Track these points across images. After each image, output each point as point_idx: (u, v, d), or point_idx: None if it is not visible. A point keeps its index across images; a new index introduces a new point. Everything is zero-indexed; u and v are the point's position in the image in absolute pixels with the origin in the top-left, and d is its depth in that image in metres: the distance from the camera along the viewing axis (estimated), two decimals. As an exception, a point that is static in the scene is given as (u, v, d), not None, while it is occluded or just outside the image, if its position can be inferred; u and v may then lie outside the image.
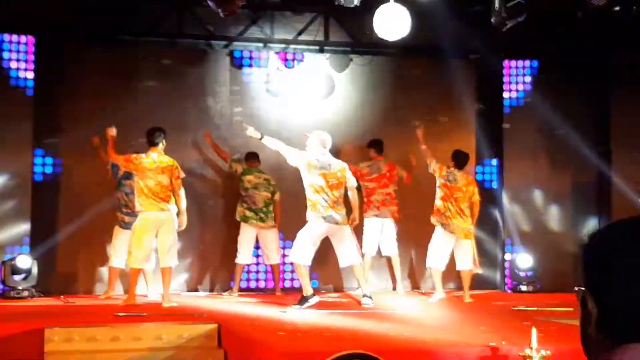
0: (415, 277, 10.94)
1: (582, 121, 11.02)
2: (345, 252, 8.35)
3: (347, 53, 10.97)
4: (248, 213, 9.70)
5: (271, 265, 9.91)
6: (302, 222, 8.31)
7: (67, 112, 10.08)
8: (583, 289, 1.55)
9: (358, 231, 9.76)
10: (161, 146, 8.49)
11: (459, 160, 9.37)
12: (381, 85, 11.08)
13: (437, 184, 9.27)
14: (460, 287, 9.57)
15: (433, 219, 9.25)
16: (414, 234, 10.62)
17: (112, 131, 8.69)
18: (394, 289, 10.24)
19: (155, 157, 8.38)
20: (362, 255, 8.98)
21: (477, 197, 9.28)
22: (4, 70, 9.63)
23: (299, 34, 10.76)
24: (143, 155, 8.44)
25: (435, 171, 9.26)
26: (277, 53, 10.70)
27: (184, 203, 8.52)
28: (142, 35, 10.39)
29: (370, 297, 8.34)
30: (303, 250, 8.17)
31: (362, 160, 10.15)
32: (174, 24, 10.41)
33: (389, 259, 10.29)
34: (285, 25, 10.74)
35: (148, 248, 8.42)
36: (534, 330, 4.82)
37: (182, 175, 8.58)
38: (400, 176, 10.06)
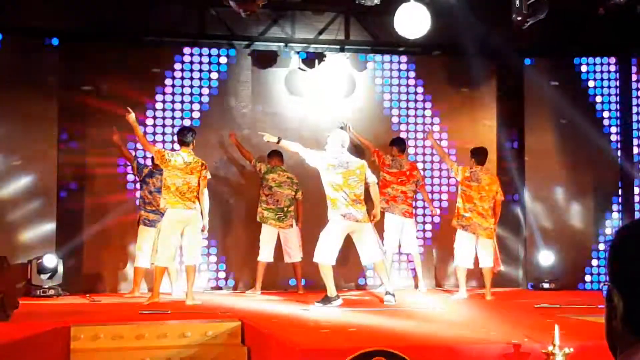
0: (438, 275, 10.96)
1: (603, 118, 10.99)
2: (367, 249, 8.37)
3: (368, 52, 11.00)
4: (267, 213, 9.76)
5: (293, 264, 9.96)
6: (324, 220, 8.34)
7: (91, 112, 10.19)
8: (609, 283, 1.58)
9: (378, 228, 9.82)
10: (191, 146, 8.54)
11: (479, 156, 9.37)
12: (401, 84, 11.10)
13: (459, 188, 9.26)
14: (482, 285, 9.58)
15: (454, 222, 9.26)
16: (435, 231, 10.65)
17: (131, 117, 8.48)
18: (416, 286, 10.26)
19: (186, 157, 8.44)
20: (384, 252, 9.00)
21: (500, 197, 9.27)
22: (31, 73, 9.74)
23: (320, 33, 10.80)
24: (174, 153, 8.48)
25: (457, 174, 9.25)
26: (298, 52, 10.75)
27: (207, 205, 8.54)
28: (164, 36, 10.48)
29: (393, 295, 8.36)
30: (326, 250, 8.20)
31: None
32: (195, 24, 10.49)
33: (410, 257, 10.31)
34: (306, 24, 10.79)
35: (174, 246, 8.46)
36: (556, 328, 4.83)
37: (209, 176, 8.62)
38: (417, 178, 10.06)
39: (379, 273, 8.58)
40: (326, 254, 8.19)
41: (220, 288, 10.41)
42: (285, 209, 9.80)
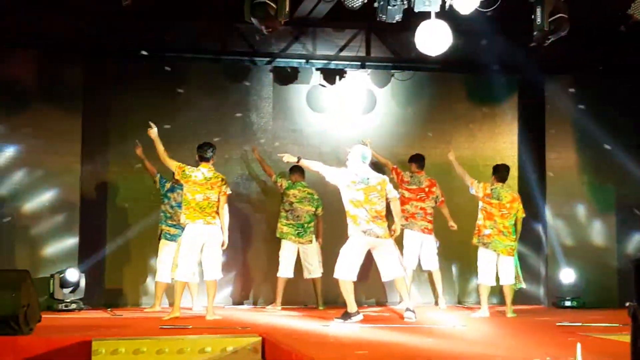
0: (458, 292, 10.92)
1: (626, 135, 10.94)
2: (388, 265, 8.36)
3: (389, 68, 11.03)
4: (287, 229, 9.80)
5: (312, 279, 9.96)
6: (344, 236, 8.34)
7: (114, 128, 10.29)
8: (634, 303, 1.59)
9: (397, 243, 9.82)
10: (211, 161, 8.59)
11: (501, 173, 9.34)
12: (422, 101, 11.12)
13: (480, 204, 9.23)
14: (503, 302, 9.53)
15: (475, 240, 9.23)
16: (456, 249, 10.62)
17: (153, 132, 8.55)
18: (436, 303, 10.23)
19: (206, 172, 8.48)
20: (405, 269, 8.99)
21: (521, 214, 9.24)
22: (54, 88, 9.85)
23: (341, 50, 10.85)
24: (194, 168, 8.53)
25: (478, 192, 9.21)
26: (318, 69, 10.79)
27: (226, 220, 8.57)
28: (186, 52, 10.56)
29: (413, 311, 8.34)
30: (347, 266, 8.20)
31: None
32: (217, 40, 10.58)
33: (430, 273, 10.29)
34: (327, 41, 10.85)
35: (194, 261, 8.48)
36: (578, 346, 4.80)
37: (229, 191, 8.64)
38: (437, 195, 10.04)
39: (399, 289, 8.55)
40: (347, 270, 8.20)
41: (240, 303, 10.43)
42: (306, 225, 9.83)
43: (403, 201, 9.81)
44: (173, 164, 8.54)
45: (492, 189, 9.18)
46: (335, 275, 8.27)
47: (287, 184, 9.89)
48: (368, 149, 8.68)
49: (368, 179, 8.31)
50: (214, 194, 8.43)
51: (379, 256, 8.40)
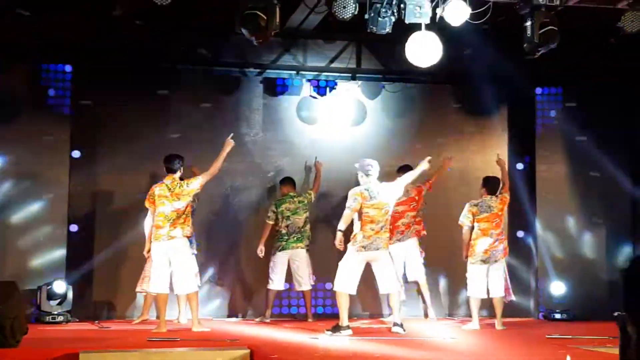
0: (448, 304, 10.88)
1: (615, 147, 10.95)
2: (386, 278, 8.42)
3: (379, 80, 11.03)
4: (285, 241, 9.77)
5: (302, 292, 9.92)
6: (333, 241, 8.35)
7: (104, 139, 10.23)
8: (623, 313, 1.56)
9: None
10: (178, 173, 8.60)
11: (492, 186, 9.35)
12: (413, 112, 11.12)
13: (476, 227, 9.22)
14: (493, 315, 9.51)
15: (471, 260, 9.20)
16: (445, 260, 10.59)
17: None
18: (426, 315, 10.19)
19: (169, 183, 8.49)
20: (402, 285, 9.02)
21: (507, 197, 9.39)
22: (43, 98, 9.80)
23: (331, 61, 10.86)
24: (157, 184, 8.53)
25: (469, 218, 9.22)
26: (309, 80, 10.79)
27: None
28: (177, 63, 10.54)
29: (401, 326, 8.34)
30: (347, 279, 8.24)
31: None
32: (208, 51, 10.57)
33: (417, 285, 10.22)
34: (317, 53, 10.85)
35: (165, 274, 8.48)
36: (568, 359, 4.78)
37: (196, 186, 8.58)
38: (424, 195, 10.06)
39: (393, 304, 8.56)
40: (346, 283, 8.24)
41: (229, 316, 10.36)
42: (302, 229, 9.84)
43: (398, 217, 9.83)
44: (148, 204, 8.65)
45: (479, 207, 9.18)
46: (335, 288, 8.28)
47: (275, 205, 9.87)
48: (370, 160, 8.60)
49: (378, 192, 8.31)
50: (182, 203, 8.42)
51: (377, 269, 8.44)
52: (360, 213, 8.27)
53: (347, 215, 8.25)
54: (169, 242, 8.38)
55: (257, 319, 9.86)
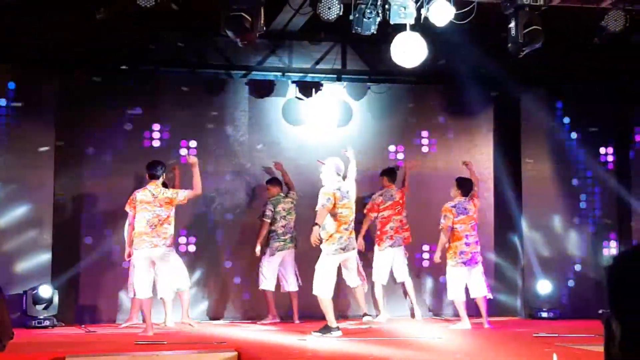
0: (434, 304, 10.88)
1: (600, 146, 11.01)
2: (354, 273, 8.71)
3: (365, 81, 11.03)
4: (283, 241, 9.76)
5: (290, 292, 9.89)
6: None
7: (88, 141, 10.18)
8: (607, 310, 1.57)
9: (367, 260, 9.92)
10: (161, 179, 8.61)
11: (466, 188, 9.44)
12: (398, 113, 11.13)
13: (449, 227, 9.29)
14: (478, 314, 9.52)
15: (452, 261, 9.24)
16: (429, 261, 10.60)
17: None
18: (412, 315, 10.21)
19: (153, 190, 8.50)
20: (365, 281, 9.08)
21: (478, 202, 9.51)
22: (27, 101, 9.74)
23: (317, 62, 10.86)
24: (140, 190, 8.55)
25: (449, 218, 9.28)
26: (294, 82, 10.78)
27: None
28: (162, 65, 10.52)
29: (370, 315, 8.68)
30: (326, 283, 8.24)
31: (376, 187, 10.23)
32: (193, 53, 10.55)
33: (403, 285, 10.24)
34: (303, 54, 10.85)
35: (148, 280, 8.62)
36: (554, 357, 4.79)
37: (181, 198, 8.67)
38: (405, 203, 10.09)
39: (359, 297, 8.83)
40: (326, 287, 8.23)
41: (216, 318, 10.32)
42: (293, 229, 9.93)
43: (385, 222, 9.97)
44: (128, 209, 8.73)
45: (456, 209, 9.25)
46: (315, 292, 8.27)
47: (273, 204, 9.87)
48: (340, 160, 8.62)
49: (348, 192, 8.35)
50: (164, 210, 8.44)
51: (346, 267, 8.62)
52: (333, 214, 8.26)
53: (323, 212, 8.18)
54: (151, 250, 8.41)
55: (267, 321, 9.74)
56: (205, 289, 10.35)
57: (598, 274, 10.79)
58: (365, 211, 10.04)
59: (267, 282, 9.77)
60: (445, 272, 9.42)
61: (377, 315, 9.91)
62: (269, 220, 9.82)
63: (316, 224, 8.17)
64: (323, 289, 8.22)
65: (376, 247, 10.02)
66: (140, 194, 8.49)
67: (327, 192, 8.25)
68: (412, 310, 10.26)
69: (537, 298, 10.60)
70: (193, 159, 8.84)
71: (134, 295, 8.81)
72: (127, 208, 8.57)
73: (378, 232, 10.05)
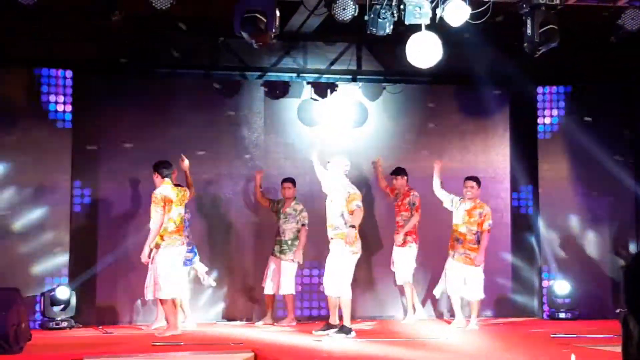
0: (439, 305, 10.76)
1: (618, 145, 10.94)
2: None
3: (380, 82, 11.02)
4: (288, 247, 9.77)
5: (284, 296, 9.85)
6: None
7: (104, 144, 10.23)
8: (625, 309, 1.56)
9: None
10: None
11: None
12: (414, 113, 11.10)
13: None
14: (498, 314, 9.50)
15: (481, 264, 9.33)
16: (433, 260, 10.51)
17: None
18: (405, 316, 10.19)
19: (171, 188, 8.55)
20: None
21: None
22: (43, 104, 9.80)
23: (332, 63, 10.86)
24: (162, 189, 8.52)
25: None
26: (309, 83, 10.78)
27: None
28: (177, 67, 10.55)
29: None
30: (348, 284, 8.31)
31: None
32: (208, 55, 10.57)
33: (405, 287, 10.17)
34: (318, 55, 10.85)
35: (181, 278, 8.75)
36: (573, 358, 4.77)
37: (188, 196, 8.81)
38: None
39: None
40: (349, 287, 8.31)
41: (233, 319, 10.33)
42: (291, 241, 9.88)
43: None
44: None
45: (460, 199, 9.41)
46: (338, 294, 8.28)
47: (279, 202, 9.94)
48: (347, 160, 8.71)
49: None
50: (182, 209, 8.60)
51: None
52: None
53: (360, 214, 8.35)
54: (182, 248, 8.45)
55: (285, 323, 9.72)
56: (222, 290, 10.36)
57: (615, 275, 10.72)
58: (415, 209, 9.97)
59: (272, 286, 9.77)
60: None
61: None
62: (307, 228, 9.83)
63: (353, 225, 8.24)
64: (346, 289, 8.28)
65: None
66: (167, 193, 8.45)
67: (358, 194, 8.44)
68: (412, 310, 10.19)
69: (554, 298, 10.54)
70: (185, 163, 8.89)
71: (160, 295, 8.59)
72: (158, 208, 8.43)
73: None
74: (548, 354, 6.44)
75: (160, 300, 8.56)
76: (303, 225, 9.71)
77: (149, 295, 8.54)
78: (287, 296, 9.78)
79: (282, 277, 9.68)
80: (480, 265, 9.30)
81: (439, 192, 9.52)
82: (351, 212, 8.28)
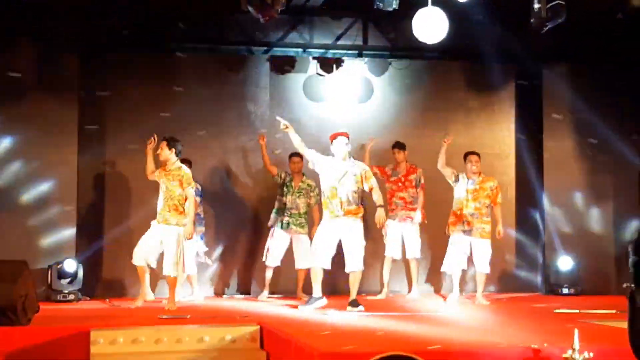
0: (439, 281, 10.82)
1: (623, 122, 10.94)
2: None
3: (386, 57, 11.01)
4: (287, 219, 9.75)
5: (299, 270, 9.87)
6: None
7: (111, 118, 10.25)
8: (632, 285, 1.58)
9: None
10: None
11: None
12: (419, 89, 11.10)
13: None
14: (502, 290, 9.54)
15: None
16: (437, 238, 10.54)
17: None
18: (409, 291, 10.24)
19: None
20: None
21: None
22: (50, 78, 9.81)
23: (338, 38, 10.84)
24: (185, 167, 8.55)
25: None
26: (315, 58, 10.76)
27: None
28: (183, 42, 10.53)
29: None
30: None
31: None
32: (213, 30, 10.56)
33: (407, 261, 10.21)
34: (324, 30, 10.83)
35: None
36: (576, 332, 4.80)
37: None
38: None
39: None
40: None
41: (241, 293, 10.41)
42: (305, 215, 9.90)
43: (390, 194, 9.97)
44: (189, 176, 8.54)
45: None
46: (360, 268, 8.28)
47: (289, 176, 9.88)
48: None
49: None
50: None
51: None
52: (363, 191, 8.33)
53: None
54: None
55: (308, 298, 9.78)
56: (228, 265, 10.43)
57: (619, 251, 10.76)
58: (421, 186, 9.99)
59: (271, 259, 9.77)
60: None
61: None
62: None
63: (382, 205, 8.26)
64: (362, 263, 8.33)
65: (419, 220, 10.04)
66: (190, 173, 8.50)
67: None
68: (410, 287, 10.28)
69: (558, 274, 10.59)
70: (151, 141, 8.66)
71: (183, 272, 8.61)
72: (190, 188, 8.44)
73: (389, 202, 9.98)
74: (551, 329, 6.48)
75: (173, 277, 8.48)
76: (317, 202, 9.66)
77: (170, 272, 8.43)
78: (305, 270, 9.74)
79: (305, 251, 9.55)
80: (489, 240, 9.30)
81: (445, 169, 9.46)
82: (371, 189, 8.28)
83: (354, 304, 8.19)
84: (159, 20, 10.22)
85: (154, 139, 8.66)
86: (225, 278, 10.47)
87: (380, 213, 8.22)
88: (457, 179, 9.38)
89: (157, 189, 8.62)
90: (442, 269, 9.60)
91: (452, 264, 9.39)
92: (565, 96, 10.97)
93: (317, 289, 8.29)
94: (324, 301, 8.24)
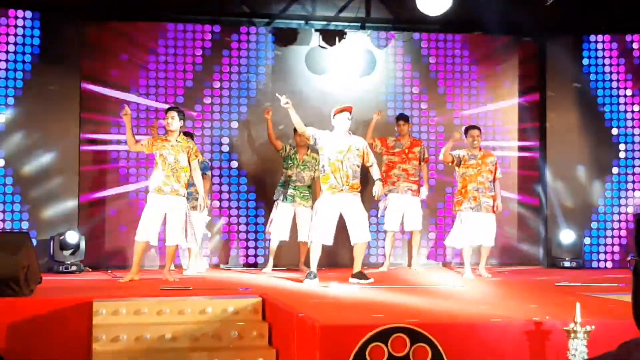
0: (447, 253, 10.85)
1: (627, 96, 10.89)
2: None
3: (388, 30, 10.94)
4: (292, 191, 9.71)
5: (301, 242, 9.85)
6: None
7: (112, 89, 10.22)
8: (635, 257, 1.57)
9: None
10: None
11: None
12: (422, 62, 11.04)
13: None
14: (505, 263, 9.53)
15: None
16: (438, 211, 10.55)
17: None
18: (409, 264, 10.26)
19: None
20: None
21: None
22: (51, 49, 9.76)
23: (341, 10, 10.77)
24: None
25: (459, 161, 9.20)
26: (318, 30, 10.70)
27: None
28: (184, 13, 10.47)
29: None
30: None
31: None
32: (215, 2, 10.49)
33: (411, 233, 10.21)
34: (326, 2, 10.77)
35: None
36: (578, 305, 4.80)
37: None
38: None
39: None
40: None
41: (242, 265, 10.44)
42: (310, 187, 9.89)
43: (390, 167, 9.89)
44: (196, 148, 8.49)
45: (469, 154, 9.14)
46: (369, 238, 8.36)
47: (294, 149, 9.81)
48: None
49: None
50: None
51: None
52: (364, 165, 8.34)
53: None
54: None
55: (264, 269, 9.84)
56: (232, 237, 10.44)
57: (621, 225, 10.76)
58: (425, 160, 9.98)
59: (278, 233, 9.75)
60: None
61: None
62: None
63: (380, 179, 8.31)
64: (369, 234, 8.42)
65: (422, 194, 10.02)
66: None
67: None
68: (410, 259, 10.29)
69: (560, 247, 10.60)
70: (126, 110, 8.34)
71: (190, 242, 8.60)
72: (200, 158, 8.45)
73: (384, 175, 9.86)
74: (553, 302, 6.49)
75: (174, 246, 8.52)
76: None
77: (181, 243, 8.48)
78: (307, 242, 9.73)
79: (308, 223, 9.55)
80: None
81: (447, 157, 9.26)
82: (371, 164, 8.29)
83: (360, 275, 8.19)
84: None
85: (128, 108, 8.42)
86: (228, 250, 10.48)
87: (379, 185, 8.26)
88: (458, 163, 9.21)
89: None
90: (446, 243, 9.58)
91: (464, 242, 9.21)
92: (569, 69, 10.91)
93: (314, 266, 8.29)
94: (317, 281, 8.18)
